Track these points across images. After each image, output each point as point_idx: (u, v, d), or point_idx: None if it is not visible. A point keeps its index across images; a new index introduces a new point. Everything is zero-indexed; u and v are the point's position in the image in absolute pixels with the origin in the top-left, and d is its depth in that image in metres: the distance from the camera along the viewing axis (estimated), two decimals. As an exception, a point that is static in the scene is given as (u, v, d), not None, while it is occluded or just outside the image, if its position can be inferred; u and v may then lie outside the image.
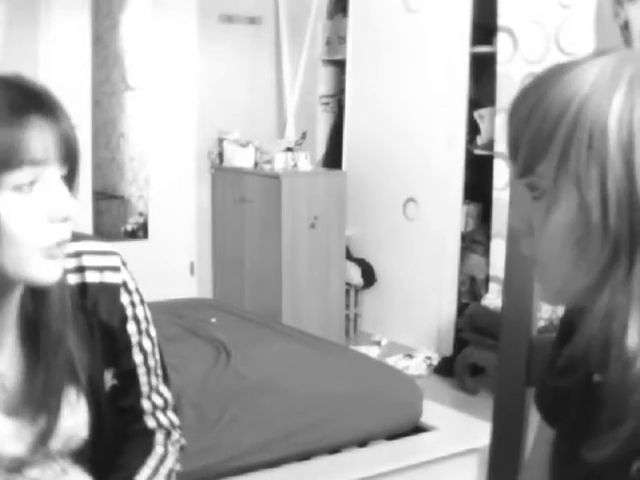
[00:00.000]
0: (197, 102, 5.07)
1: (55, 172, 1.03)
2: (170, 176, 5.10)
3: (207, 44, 5.04)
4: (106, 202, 5.94)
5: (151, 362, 1.28)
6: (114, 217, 5.84)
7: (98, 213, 5.29)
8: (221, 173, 5.09)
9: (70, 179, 1.07)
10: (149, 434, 1.29)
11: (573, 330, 0.88)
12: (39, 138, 1.00)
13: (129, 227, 5.66)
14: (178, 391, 2.38)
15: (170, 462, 1.28)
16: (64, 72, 4.50)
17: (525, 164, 0.85)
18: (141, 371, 1.27)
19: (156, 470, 1.25)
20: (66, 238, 1.06)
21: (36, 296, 1.11)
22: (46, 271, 1.05)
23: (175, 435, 1.32)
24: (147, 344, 1.27)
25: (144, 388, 1.28)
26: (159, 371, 1.30)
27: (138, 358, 1.26)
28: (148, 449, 1.27)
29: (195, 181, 5.14)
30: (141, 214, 5.56)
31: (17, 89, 1.02)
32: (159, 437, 1.29)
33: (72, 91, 4.13)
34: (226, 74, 5.14)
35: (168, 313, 3.39)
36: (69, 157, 1.05)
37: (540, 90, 0.84)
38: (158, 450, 1.28)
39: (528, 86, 0.87)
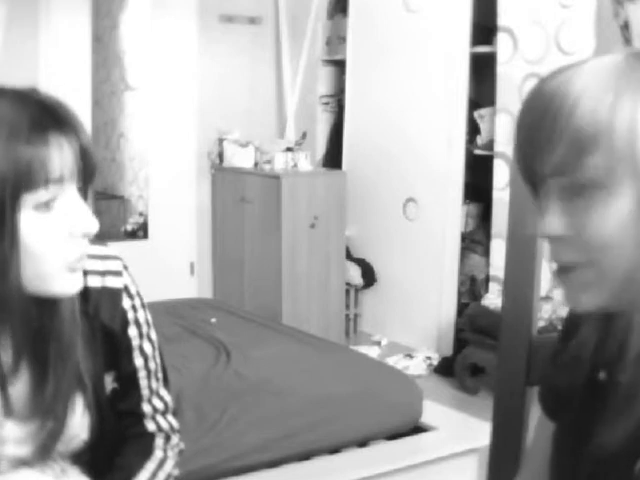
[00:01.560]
0: (197, 102, 5.07)
1: (73, 187, 1.04)
2: (170, 176, 5.10)
3: (207, 44, 5.04)
4: (106, 202, 5.94)
5: (151, 365, 1.28)
6: (114, 217, 5.84)
7: (98, 213, 5.26)
8: (221, 173, 5.09)
9: (84, 190, 1.08)
10: (149, 437, 1.29)
11: (578, 327, 0.87)
12: (59, 156, 1.01)
13: (129, 227, 5.66)
14: (178, 391, 2.38)
15: (169, 467, 1.28)
16: (64, 72, 4.50)
17: (567, 159, 0.82)
18: (141, 374, 1.27)
19: (154, 474, 1.25)
20: (86, 252, 1.08)
21: (46, 308, 1.11)
22: (68, 284, 1.07)
23: (174, 439, 1.32)
24: (148, 348, 1.27)
25: (144, 392, 1.28)
26: (159, 374, 1.30)
27: (139, 361, 1.26)
28: (147, 452, 1.27)
29: (195, 181, 5.13)
30: (141, 214, 5.56)
31: (36, 105, 1.02)
32: (158, 441, 1.29)
33: (72, 91, 4.13)
34: (226, 74, 5.14)
35: (168, 313, 3.39)
36: (87, 172, 1.06)
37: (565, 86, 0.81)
38: (157, 454, 1.28)
39: (535, 90, 0.84)
